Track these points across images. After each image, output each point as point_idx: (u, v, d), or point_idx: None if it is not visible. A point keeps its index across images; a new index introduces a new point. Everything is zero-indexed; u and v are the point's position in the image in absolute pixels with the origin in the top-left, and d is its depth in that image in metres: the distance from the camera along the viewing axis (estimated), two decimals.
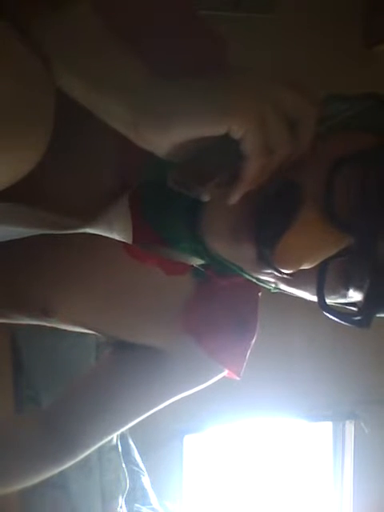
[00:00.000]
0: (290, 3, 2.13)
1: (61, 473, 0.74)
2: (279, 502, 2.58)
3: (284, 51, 2.02)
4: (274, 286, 0.57)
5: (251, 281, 0.58)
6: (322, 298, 0.51)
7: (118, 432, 0.74)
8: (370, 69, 2.14)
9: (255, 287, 0.68)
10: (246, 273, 0.56)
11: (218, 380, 0.73)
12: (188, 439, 2.35)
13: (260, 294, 0.71)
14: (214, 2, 1.98)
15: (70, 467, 0.74)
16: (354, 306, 0.55)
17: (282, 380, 2.29)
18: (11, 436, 0.73)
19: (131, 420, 0.73)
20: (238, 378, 0.71)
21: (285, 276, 0.51)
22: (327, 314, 0.51)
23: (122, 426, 0.73)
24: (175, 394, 0.72)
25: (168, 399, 0.72)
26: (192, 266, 0.64)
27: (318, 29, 2.13)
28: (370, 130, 0.52)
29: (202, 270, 0.65)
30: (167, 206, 0.56)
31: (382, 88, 0.57)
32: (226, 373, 0.72)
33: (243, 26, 2.02)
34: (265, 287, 0.60)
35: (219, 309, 0.69)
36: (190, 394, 0.73)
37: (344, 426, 2.56)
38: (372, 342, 2.34)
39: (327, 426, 2.59)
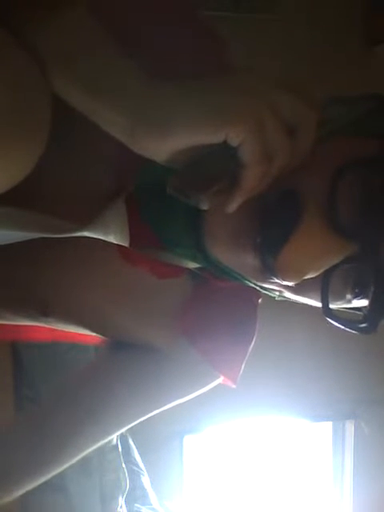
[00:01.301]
0: (290, 3, 2.13)
1: (60, 473, 0.73)
2: (279, 502, 2.58)
3: (284, 51, 2.02)
4: (278, 294, 0.56)
5: (254, 288, 0.57)
6: (326, 305, 0.51)
7: (115, 435, 0.73)
8: (370, 69, 2.14)
9: (255, 291, 0.68)
10: (249, 281, 0.56)
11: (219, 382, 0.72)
12: (188, 439, 2.35)
13: (260, 299, 0.70)
14: (214, 2, 1.98)
15: (70, 467, 0.73)
16: (359, 310, 0.54)
17: (282, 379, 2.29)
18: (4, 438, 0.72)
19: (126, 424, 0.71)
20: (233, 386, 0.70)
21: (288, 284, 0.50)
22: (332, 322, 0.51)
23: (118, 429, 0.72)
24: (171, 398, 0.71)
25: (164, 403, 0.71)
26: (188, 269, 0.64)
27: (318, 29, 2.12)
28: (371, 133, 0.51)
29: (199, 273, 0.64)
30: (166, 210, 0.55)
31: (383, 88, 0.57)
32: (221, 379, 0.70)
33: (243, 26, 2.02)
34: (269, 295, 0.59)
35: (216, 311, 0.69)
36: None
37: (344, 425, 2.56)
38: (372, 342, 2.33)
39: (327, 425, 2.59)
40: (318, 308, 0.52)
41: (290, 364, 2.32)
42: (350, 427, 2.53)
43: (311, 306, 0.55)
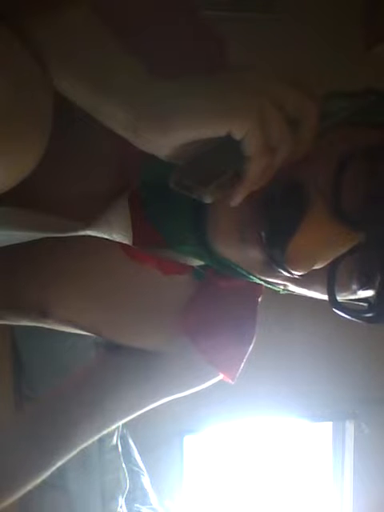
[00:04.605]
0: (290, 3, 2.13)
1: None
2: (279, 502, 2.58)
3: (284, 51, 2.02)
4: (282, 287, 0.57)
5: (259, 284, 0.57)
6: (333, 296, 0.51)
7: (107, 431, 0.74)
8: (370, 69, 2.13)
9: (255, 291, 0.68)
10: (254, 276, 0.56)
11: (218, 380, 0.73)
12: (188, 439, 2.35)
13: (260, 299, 0.70)
14: (214, 2, 1.98)
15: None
16: (365, 302, 0.54)
17: (281, 379, 2.29)
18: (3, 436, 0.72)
19: (122, 419, 0.73)
20: (231, 383, 0.71)
21: (295, 277, 0.50)
22: (338, 312, 0.51)
23: (111, 426, 0.73)
24: (169, 395, 0.72)
25: (161, 399, 0.72)
26: (192, 266, 0.64)
27: (317, 29, 2.12)
28: (372, 124, 0.52)
29: (202, 271, 0.64)
30: (170, 208, 0.55)
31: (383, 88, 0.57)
32: (221, 377, 0.71)
33: (243, 26, 2.02)
34: (273, 289, 0.59)
35: (218, 312, 0.69)
36: (190, 394, 0.73)
37: (344, 425, 2.56)
38: (372, 342, 2.34)
39: (327, 425, 2.59)
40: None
41: (289, 364, 2.32)
42: (350, 427, 2.53)
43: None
